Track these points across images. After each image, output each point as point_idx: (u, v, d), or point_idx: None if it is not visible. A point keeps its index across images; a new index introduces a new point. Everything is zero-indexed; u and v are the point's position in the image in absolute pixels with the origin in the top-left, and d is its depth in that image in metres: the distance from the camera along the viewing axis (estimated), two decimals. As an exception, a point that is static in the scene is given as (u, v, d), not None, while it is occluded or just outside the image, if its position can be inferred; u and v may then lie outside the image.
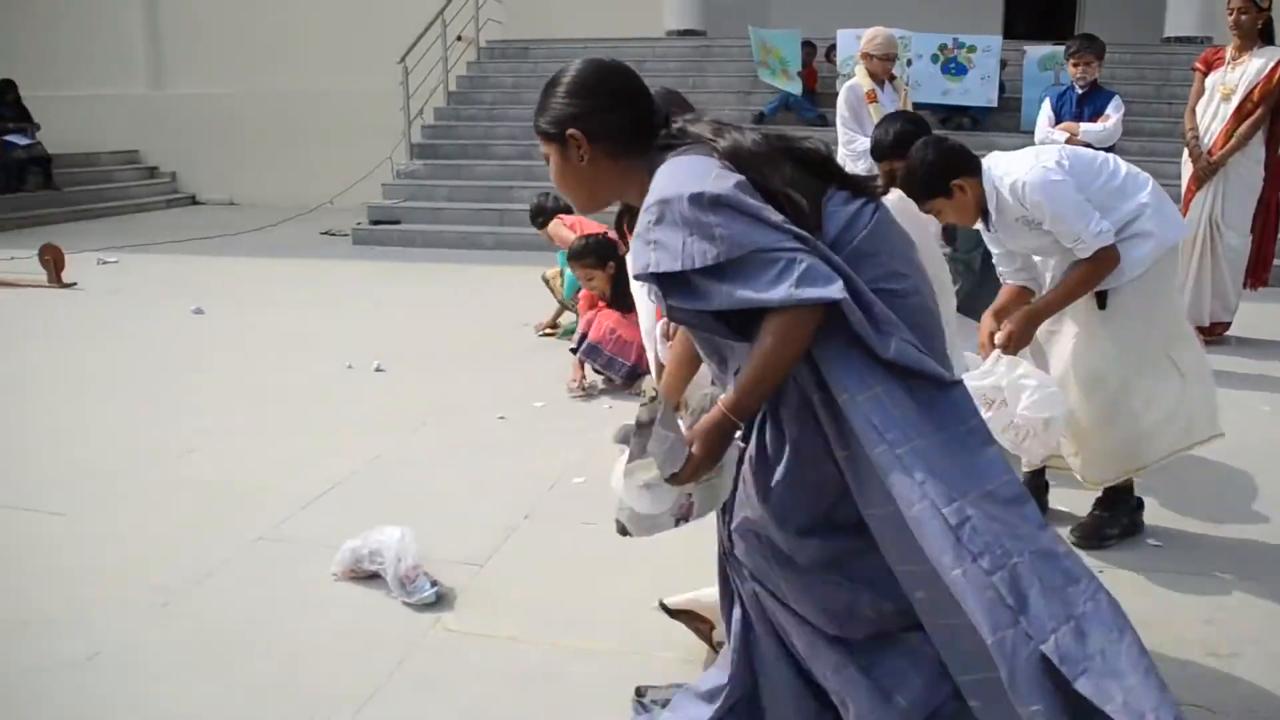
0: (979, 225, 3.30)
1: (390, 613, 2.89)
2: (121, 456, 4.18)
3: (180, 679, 2.59)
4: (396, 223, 10.62)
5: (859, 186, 1.93)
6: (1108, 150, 6.06)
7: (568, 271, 5.74)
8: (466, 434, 4.45)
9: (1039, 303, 3.20)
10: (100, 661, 2.65)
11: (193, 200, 14.64)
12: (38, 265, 7.88)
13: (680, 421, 1.91)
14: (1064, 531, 3.38)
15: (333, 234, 10.94)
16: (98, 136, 14.55)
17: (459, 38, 13.07)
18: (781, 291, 1.65)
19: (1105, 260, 3.07)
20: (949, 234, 3.87)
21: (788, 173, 1.84)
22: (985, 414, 3.07)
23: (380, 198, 11.20)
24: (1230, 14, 5.74)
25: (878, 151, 3.62)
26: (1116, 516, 3.36)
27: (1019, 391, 3.06)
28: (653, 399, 1.94)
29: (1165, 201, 3.21)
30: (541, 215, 6.17)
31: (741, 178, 1.77)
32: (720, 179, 1.75)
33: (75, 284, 7.83)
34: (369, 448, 4.22)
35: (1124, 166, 3.23)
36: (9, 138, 12.47)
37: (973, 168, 3.16)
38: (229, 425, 4.56)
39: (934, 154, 3.18)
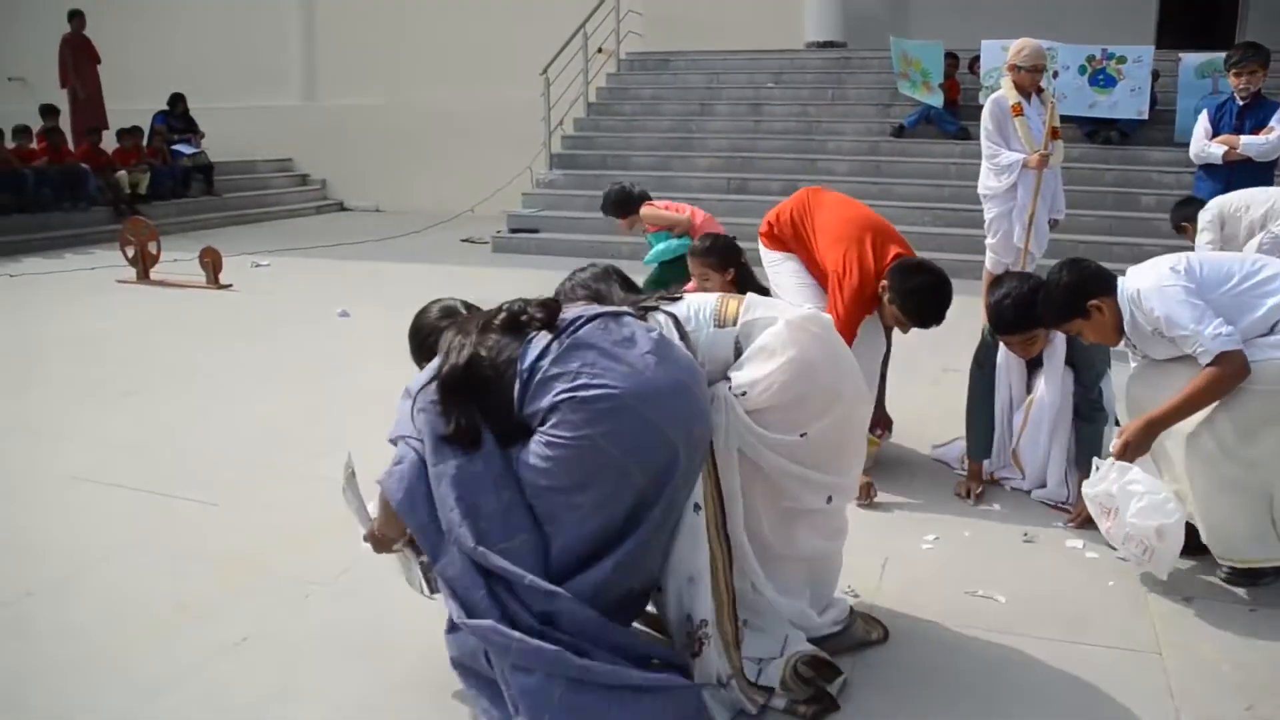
0: (1123, 344, 3.24)
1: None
2: (270, 451, 4.38)
3: (321, 669, 2.71)
4: (535, 231, 10.82)
5: (551, 325, 2.44)
6: (1270, 165, 5.86)
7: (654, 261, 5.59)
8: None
9: (1158, 411, 3.03)
10: (250, 646, 2.80)
11: (341, 207, 15.21)
12: (198, 267, 8.30)
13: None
14: (1214, 569, 3.25)
15: (473, 241, 11.23)
16: (255, 145, 15.25)
17: (600, 50, 13.25)
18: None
19: (1230, 366, 2.90)
20: (1082, 376, 3.77)
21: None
22: (1105, 525, 3.10)
23: (519, 207, 11.44)
24: None
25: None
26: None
27: (1128, 499, 3.00)
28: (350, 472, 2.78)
29: None
30: (629, 201, 5.69)
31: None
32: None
33: (231, 285, 8.22)
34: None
35: (1269, 265, 3.06)
36: (177, 147, 13.21)
37: (1108, 287, 3.12)
38: (369, 424, 4.69)
39: (1069, 275, 3.17)
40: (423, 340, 2.92)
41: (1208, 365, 2.92)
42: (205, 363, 5.80)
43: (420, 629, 2.86)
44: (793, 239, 4.16)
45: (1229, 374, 2.91)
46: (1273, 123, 5.83)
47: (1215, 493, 3.04)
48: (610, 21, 13.32)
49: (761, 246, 4.33)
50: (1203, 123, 6.12)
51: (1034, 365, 3.85)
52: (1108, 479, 3.07)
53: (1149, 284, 3.02)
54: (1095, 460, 3.20)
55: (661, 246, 5.59)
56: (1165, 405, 3.01)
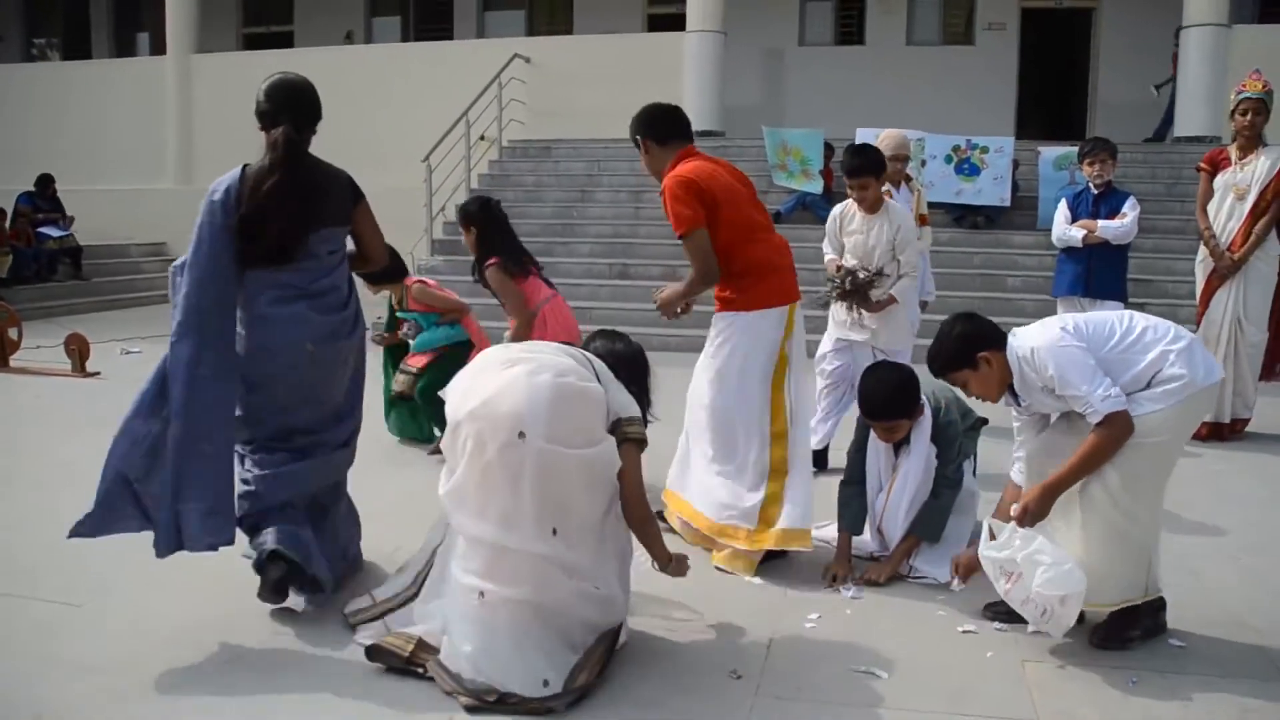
0: (1006, 401, 3.37)
1: (403, 706, 2.87)
2: (138, 548, 4.17)
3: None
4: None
5: None
6: (1124, 247, 6.20)
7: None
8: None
9: (1055, 476, 3.17)
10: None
11: (217, 293, 14.83)
12: (63, 354, 7.99)
13: None
14: (1086, 634, 3.35)
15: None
16: (127, 229, 14.86)
17: (482, 137, 13.38)
18: None
19: (1117, 427, 3.06)
20: (944, 454, 3.96)
21: None
22: (1004, 586, 3.21)
23: (402, 292, 11.34)
24: (1244, 116, 5.86)
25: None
26: (1139, 618, 3.29)
27: (1034, 568, 3.10)
28: None
29: (1196, 345, 3.21)
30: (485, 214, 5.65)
31: None
32: None
33: (99, 373, 7.93)
34: (393, 537, 4.21)
35: (1141, 320, 3.25)
36: (43, 229, 12.77)
37: (999, 342, 3.26)
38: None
39: (961, 327, 3.31)
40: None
41: (1097, 426, 3.06)
42: (67, 454, 5.54)
43: (297, 728, 2.76)
44: None
45: (1117, 434, 3.06)
46: (1125, 209, 6.19)
47: (1102, 540, 3.17)
48: (493, 109, 13.47)
49: None
50: (1062, 210, 6.46)
51: (901, 445, 3.99)
52: (1012, 545, 3.14)
53: (1044, 343, 3.16)
54: (993, 524, 3.26)
55: (428, 335, 5.77)
56: (1061, 470, 3.14)
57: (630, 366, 3.31)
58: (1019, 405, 3.36)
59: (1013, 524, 3.18)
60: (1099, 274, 6.25)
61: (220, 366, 3.31)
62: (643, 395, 3.28)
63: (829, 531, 4.23)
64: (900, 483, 3.94)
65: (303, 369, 3.47)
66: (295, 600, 3.53)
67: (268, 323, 3.44)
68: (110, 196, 15.27)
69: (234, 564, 3.97)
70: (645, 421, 3.20)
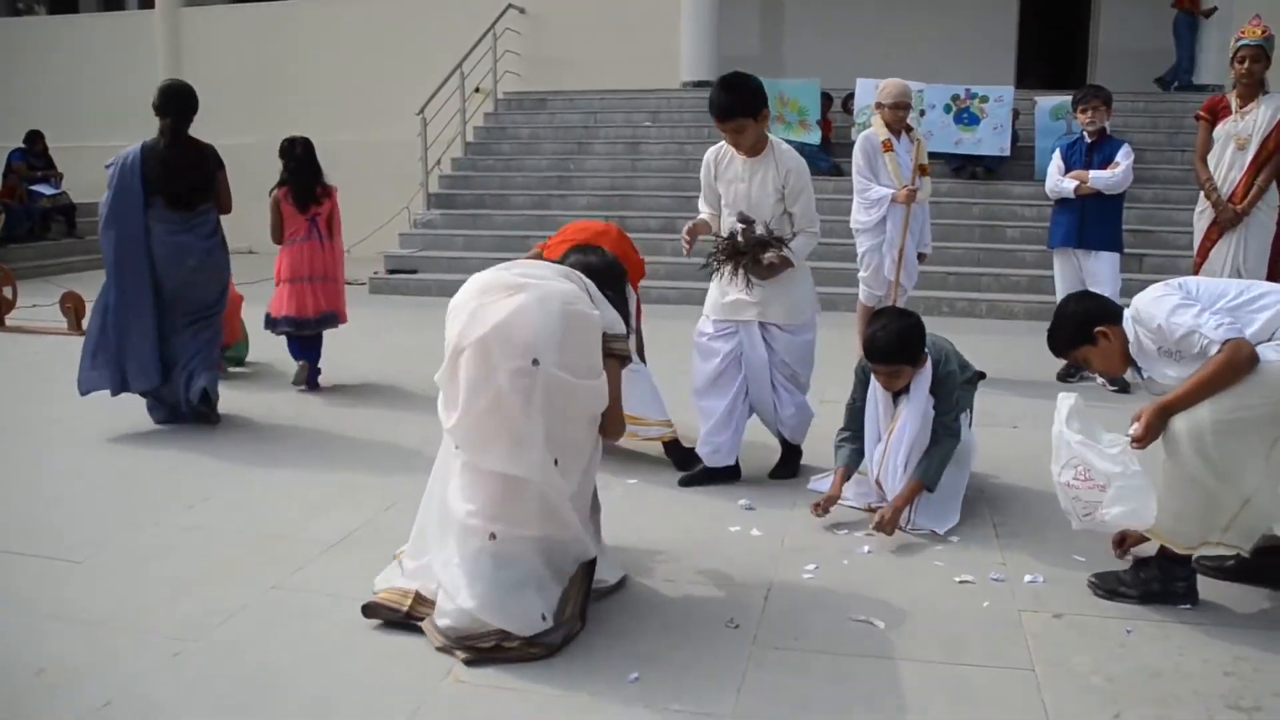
0: (1132, 375, 3.36)
1: (403, 663, 2.88)
2: (137, 504, 4.20)
3: (192, 729, 2.59)
4: (414, 272, 10.70)
5: None
6: (1119, 197, 6.16)
7: None
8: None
9: (1171, 396, 3.05)
10: (112, 711, 2.65)
11: (212, 249, 14.78)
12: (59, 313, 7.96)
13: None
14: (1083, 584, 3.37)
15: (349, 283, 11.00)
16: (120, 186, 14.74)
17: (477, 89, 13.26)
18: None
19: (1238, 353, 2.93)
20: (941, 404, 3.96)
21: None
22: (1066, 475, 3.23)
23: (397, 247, 11.30)
24: (1242, 63, 5.77)
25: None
26: (1145, 578, 3.25)
27: (1120, 498, 3.11)
28: None
29: None
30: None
31: None
32: None
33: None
34: (385, 495, 4.23)
35: (1264, 286, 3.20)
36: (35, 187, 12.68)
37: (1115, 315, 3.26)
38: (242, 473, 4.58)
39: (1077, 305, 3.37)
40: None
41: (1216, 353, 2.96)
42: (63, 413, 5.54)
43: (301, 683, 2.78)
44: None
45: (1238, 360, 2.93)
46: (1118, 158, 6.14)
47: (1170, 481, 3.08)
48: (487, 61, 13.34)
49: None
50: (1056, 160, 6.40)
51: (900, 395, 3.99)
52: (1120, 463, 3.11)
53: (1146, 300, 3.18)
54: (1112, 435, 3.22)
55: None
56: (1178, 390, 3.03)
57: (607, 277, 3.33)
58: (1141, 377, 3.31)
59: (1127, 441, 3.10)
60: (1093, 225, 6.20)
61: (138, 277, 5.20)
62: (621, 305, 3.27)
63: (824, 484, 4.24)
64: (899, 433, 3.94)
65: (188, 274, 5.28)
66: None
67: (165, 246, 5.23)
68: (100, 153, 15.06)
69: (231, 520, 4.00)
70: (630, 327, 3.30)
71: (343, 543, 3.75)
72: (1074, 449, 3.21)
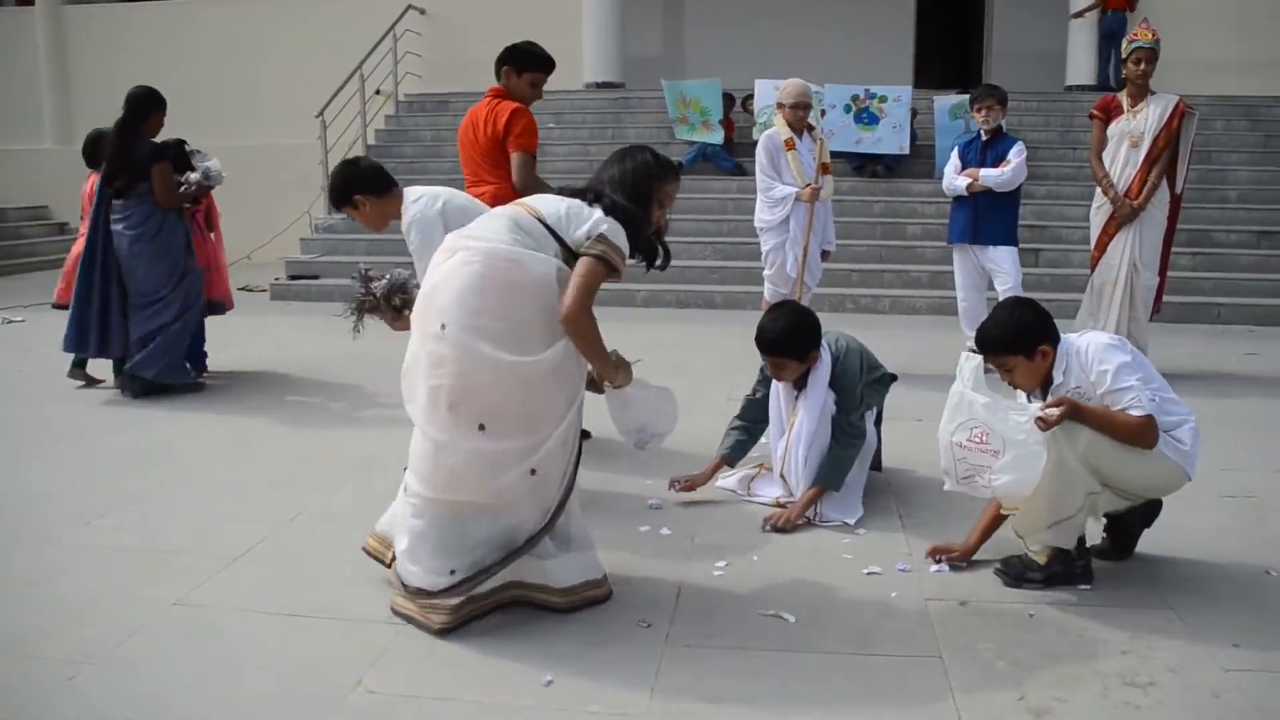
0: (1025, 397, 3.39)
1: (311, 677, 2.82)
2: (30, 522, 4.04)
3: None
4: (315, 278, 10.51)
5: None
6: (1013, 193, 6.34)
7: None
8: (388, 489, 4.37)
9: (1090, 407, 3.16)
10: (3, 738, 2.54)
11: (105, 257, 14.31)
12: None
13: None
14: (988, 573, 3.45)
15: (250, 289, 10.77)
16: (4, 192, 14.21)
17: (378, 91, 13.08)
18: None
19: (1151, 430, 3.14)
20: (843, 401, 4.01)
21: None
22: (958, 436, 3.27)
23: (298, 253, 11.08)
24: (1137, 65, 6.01)
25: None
26: (1048, 562, 3.33)
27: (1014, 466, 3.17)
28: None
29: (1199, 440, 3.32)
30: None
31: None
32: None
33: (-20, 345, 7.62)
34: (289, 507, 4.14)
35: (1173, 395, 3.36)
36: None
37: (1056, 337, 3.29)
38: (141, 488, 4.44)
39: (1032, 315, 3.30)
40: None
41: (1137, 416, 3.12)
42: (-50, 429, 5.31)
43: (205, 701, 2.70)
44: None
45: (1150, 436, 3.14)
46: (1010, 155, 6.31)
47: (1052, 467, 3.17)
48: (388, 63, 13.17)
49: None
50: (953, 159, 6.56)
51: (799, 391, 4.07)
52: (1024, 431, 3.14)
53: (1099, 343, 3.25)
54: (1022, 400, 3.33)
55: None
56: (1095, 408, 3.16)
57: (613, 180, 3.15)
58: (1030, 399, 3.36)
59: (1032, 415, 3.13)
60: (987, 221, 6.37)
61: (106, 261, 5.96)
62: (634, 203, 3.11)
63: (732, 481, 4.27)
64: (798, 428, 4.01)
65: (127, 259, 5.92)
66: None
67: (112, 234, 5.92)
68: (-16, 159, 14.60)
69: (129, 537, 3.87)
70: (653, 249, 3.22)
71: (246, 556, 3.66)
72: (976, 411, 3.25)
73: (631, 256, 3.18)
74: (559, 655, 2.92)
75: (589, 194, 3.12)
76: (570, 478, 3.11)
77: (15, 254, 13.02)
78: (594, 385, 3.24)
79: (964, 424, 3.29)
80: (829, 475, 3.93)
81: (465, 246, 2.96)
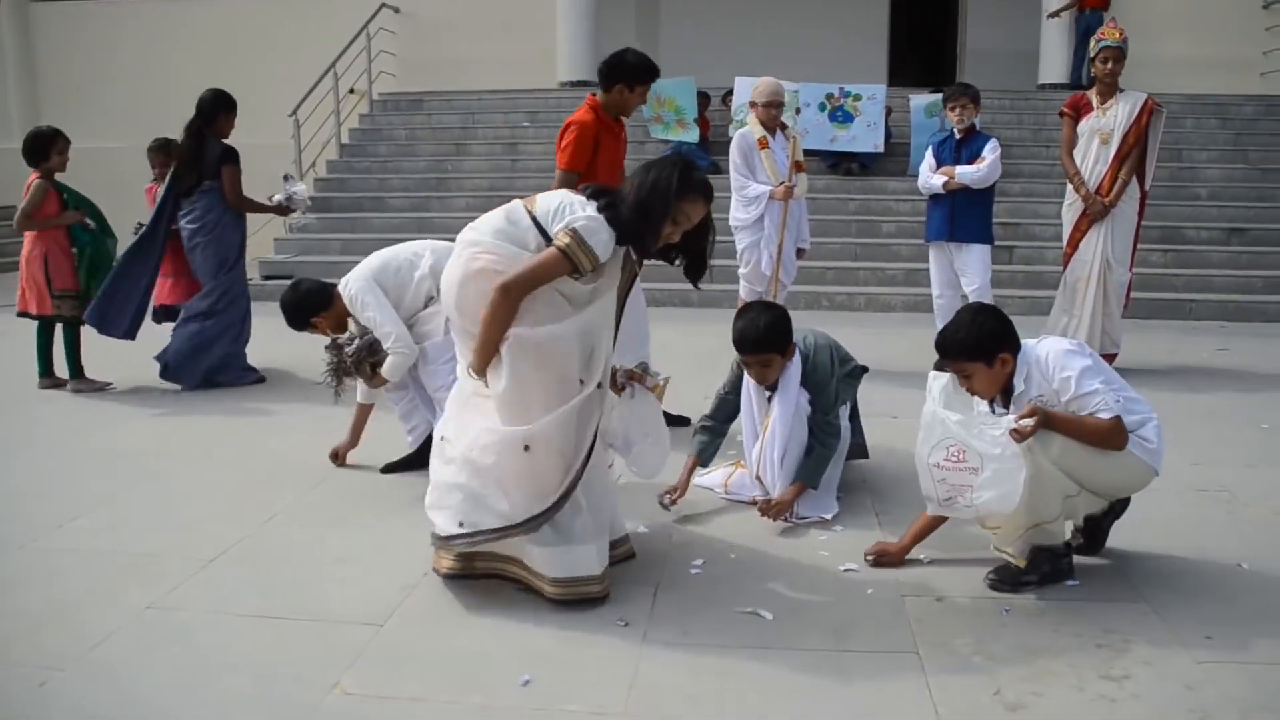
0: (986, 404, 3.34)
1: (287, 678, 2.80)
2: (1, 524, 4.00)
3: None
4: (289, 278, 10.40)
5: None
6: (988, 191, 6.37)
7: None
8: (363, 491, 4.37)
9: (1060, 414, 3.18)
10: (-26, 745, 2.52)
11: (75, 258, 14.15)
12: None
13: None
14: (966, 569, 3.47)
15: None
16: (-28, 195, 14.04)
17: (351, 90, 13.01)
18: None
19: (1120, 433, 3.16)
20: (817, 400, 4.00)
21: None
22: (935, 456, 3.19)
23: (273, 253, 11.01)
24: (1105, 63, 6.06)
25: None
26: (1036, 564, 3.32)
27: (994, 483, 3.11)
28: None
29: (1162, 436, 3.34)
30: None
31: None
32: None
33: (-51, 348, 7.52)
34: (263, 509, 4.11)
35: (1136, 394, 3.38)
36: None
37: (1017, 345, 3.27)
38: (115, 490, 4.40)
39: (994, 323, 3.27)
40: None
41: (1106, 419, 3.14)
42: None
43: (179, 704, 2.68)
44: None
45: (1118, 434, 3.16)
46: (985, 153, 6.34)
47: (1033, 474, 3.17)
48: (361, 62, 13.10)
49: None
50: (928, 158, 6.58)
51: (772, 391, 4.04)
52: (1000, 445, 3.10)
53: (1058, 350, 3.25)
54: (992, 418, 3.24)
55: None
56: (1063, 415, 3.17)
57: (632, 183, 3.16)
58: (994, 409, 3.33)
59: (1006, 429, 3.11)
60: (963, 218, 6.39)
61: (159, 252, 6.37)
62: (638, 212, 3.10)
63: (710, 479, 4.27)
64: (772, 428, 3.99)
65: (184, 249, 6.36)
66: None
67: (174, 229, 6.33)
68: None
69: (102, 540, 3.84)
70: (640, 251, 3.25)
71: (221, 558, 3.63)
72: (950, 429, 3.20)
73: (655, 259, 3.31)
74: (537, 654, 2.92)
75: (603, 195, 3.16)
76: (575, 474, 3.16)
77: (-17, 255, 12.87)
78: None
79: (939, 443, 3.22)
80: (811, 475, 3.92)
81: (463, 240, 3.22)
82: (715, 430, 4.21)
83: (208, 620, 3.15)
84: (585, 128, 4.89)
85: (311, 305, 4.42)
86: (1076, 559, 3.46)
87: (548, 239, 3.07)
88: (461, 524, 3.18)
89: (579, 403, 3.12)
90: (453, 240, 3.45)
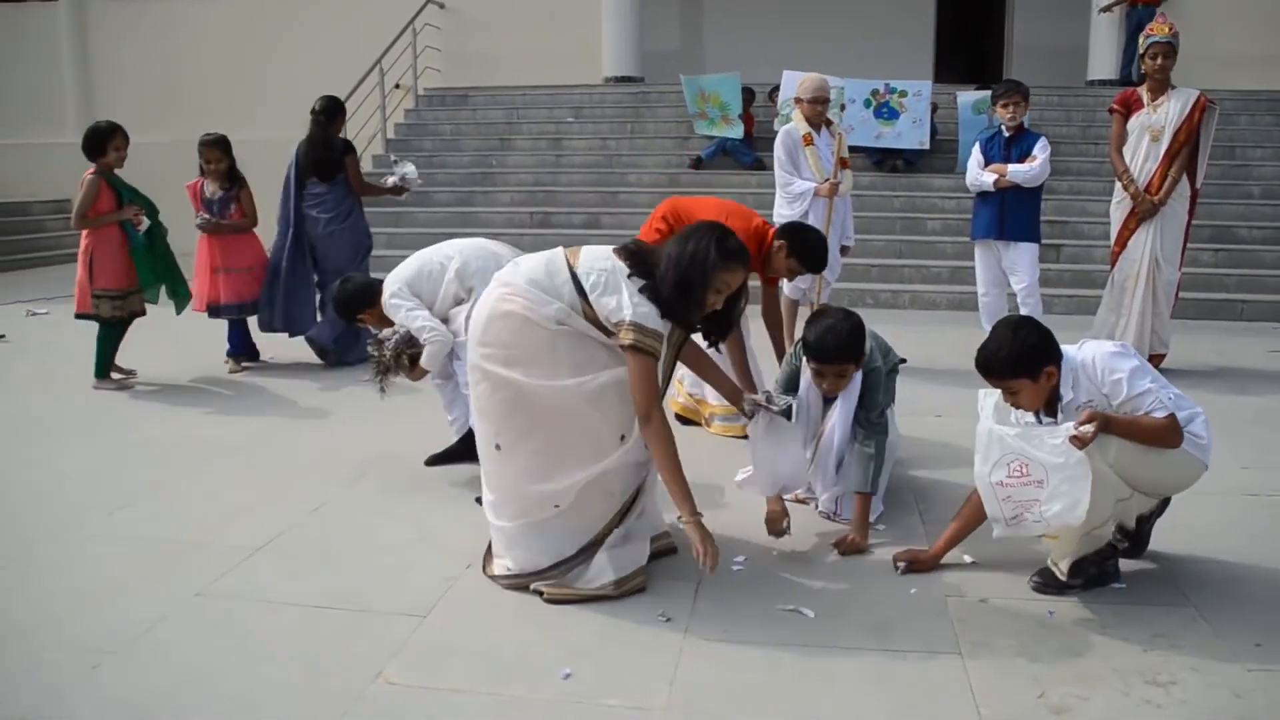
0: (1031, 416, 3.27)
1: (330, 667, 2.84)
2: (53, 512, 4.07)
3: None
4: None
5: None
6: (1037, 189, 6.30)
7: None
8: (407, 484, 4.41)
9: (1117, 416, 3.12)
10: (28, 726, 2.57)
11: (126, 250, 14.38)
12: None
13: None
14: (1010, 569, 3.44)
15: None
16: (27, 186, 14.31)
17: (397, 85, 13.10)
18: None
19: (1176, 431, 3.12)
20: (865, 401, 3.87)
21: None
22: (998, 474, 3.11)
23: (318, 245, 11.10)
24: (1154, 59, 5.95)
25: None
26: (1082, 568, 3.28)
27: (1060, 495, 3.03)
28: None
29: (1210, 430, 3.29)
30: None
31: None
32: None
33: (3, 336, 7.67)
34: (309, 499, 4.17)
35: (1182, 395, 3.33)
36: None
37: (1059, 356, 3.22)
38: (164, 479, 4.47)
39: (1037, 336, 3.19)
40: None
41: (1161, 418, 3.10)
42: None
43: (225, 691, 2.72)
44: None
45: (1174, 432, 3.11)
46: (1035, 151, 6.27)
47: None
48: (407, 57, 13.19)
49: None
50: (975, 154, 6.52)
51: (826, 400, 3.93)
52: (1062, 453, 3.03)
53: (1103, 352, 3.21)
54: (1054, 426, 3.15)
55: None
56: (1123, 417, 3.12)
57: (671, 260, 3.14)
58: (1040, 419, 3.28)
59: (1066, 436, 3.04)
60: (1013, 216, 6.34)
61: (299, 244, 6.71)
62: (678, 291, 3.11)
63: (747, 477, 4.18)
64: (829, 435, 3.88)
65: (321, 239, 6.69)
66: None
67: (305, 219, 6.72)
68: (6, 151, 14.69)
69: (152, 527, 3.90)
70: (685, 326, 3.27)
71: (267, 547, 3.68)
72: (1009, 443, 3.12)
73: (691, 332, 3.37)
74: (578, 648, 2.93)
75: (644, 264, 3.16)
76: (609, 520, 3.28)
77: (38, 247, 13.11)
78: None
79: (999, 461, 3.13)
80: (872, 482, 3.76)
81: (499, 279, 3.25)
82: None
83: (254, 608, 3.19)
84: None
85: (357, 303, 4.53)
86: (1121, 561, 3.42)
87: (583, 296, 3.10)
88: (510, 567, 3.34)
89: (614, 462, 3.20)
90: (493, 237, 3.50)
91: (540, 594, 3.24)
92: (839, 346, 3.68)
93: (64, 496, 4.27)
